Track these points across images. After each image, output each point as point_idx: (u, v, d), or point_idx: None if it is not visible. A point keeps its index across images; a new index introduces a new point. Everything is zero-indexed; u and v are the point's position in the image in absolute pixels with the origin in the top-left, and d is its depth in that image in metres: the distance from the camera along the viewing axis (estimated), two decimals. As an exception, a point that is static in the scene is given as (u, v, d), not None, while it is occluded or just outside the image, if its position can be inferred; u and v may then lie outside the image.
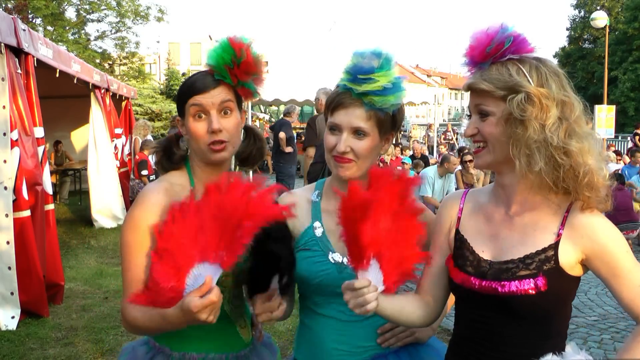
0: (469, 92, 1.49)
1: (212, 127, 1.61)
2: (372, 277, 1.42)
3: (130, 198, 9.53)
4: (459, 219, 1.58)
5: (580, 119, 1.41)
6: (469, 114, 1.52)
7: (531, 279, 1.38)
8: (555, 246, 1.40)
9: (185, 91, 1.66)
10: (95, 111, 9.21)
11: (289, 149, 9.04)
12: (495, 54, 1.41)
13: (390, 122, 1.68)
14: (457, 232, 1.57)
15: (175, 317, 1.40)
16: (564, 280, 1.40)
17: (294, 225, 1.74)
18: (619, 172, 9.66)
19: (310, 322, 1.75)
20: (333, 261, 1.67)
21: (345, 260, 1.64)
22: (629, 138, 18.64)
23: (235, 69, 1.63)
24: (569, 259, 1.40)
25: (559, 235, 1.41)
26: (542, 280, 1.38)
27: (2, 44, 4.85)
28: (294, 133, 10.28)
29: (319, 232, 1.71)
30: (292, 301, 1.79)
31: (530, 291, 1.38)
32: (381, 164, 13.13)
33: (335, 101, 1.66)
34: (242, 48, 1.62)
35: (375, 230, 1.43)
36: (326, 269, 1.66)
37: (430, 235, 1.64)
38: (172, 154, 1.74)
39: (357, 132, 1.63)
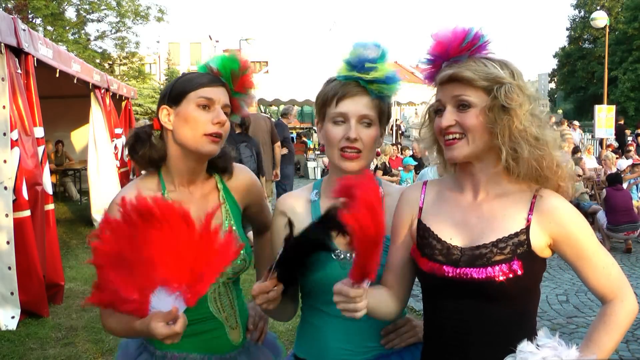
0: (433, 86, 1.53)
1: (219, 118, 1.65)
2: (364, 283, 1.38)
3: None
4: (420, 209, 1.59)
5: (544, 114, 1.48)
6: (442, 108, 1.48)
7: (507, 264, 1.41)
8: (526, 230, 1.44)
9: (191, 80, 1.68)
10: (95, 111, 9.21)
11: (284, 151, 9.12)
12: (470, 48, 1.45)
13: (388, 113, 1.73)
14: (420, 222, 1.57)
15: (145, 333, 1.45)
16: (536, 263, 1.45)
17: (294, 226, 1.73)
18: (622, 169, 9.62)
19: (314, 320, 1.74)
20: (336, 258, 1.66)
21: (348, 256, 1.64)
22: (630, 138, 18.64)
23: (239, 78, 1.73)
24: (539, 243, 1.44)
25: (528, 220, 1.45)
26: (517, 263, 1.41)
27: (2, 44, 4.85)
28: (294, 133, 10.36)
29: None
30: (296, 302, 1.79)
31: (507, 275, 1.40)
32: (378, 157, 12.92)
33: (341, 92, 1.67)
34: (247, 65, 1.74)
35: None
36: (330, 267, 1.65)
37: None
38: (153, 147, 1.71)
39: (364, 121, 1.66)
